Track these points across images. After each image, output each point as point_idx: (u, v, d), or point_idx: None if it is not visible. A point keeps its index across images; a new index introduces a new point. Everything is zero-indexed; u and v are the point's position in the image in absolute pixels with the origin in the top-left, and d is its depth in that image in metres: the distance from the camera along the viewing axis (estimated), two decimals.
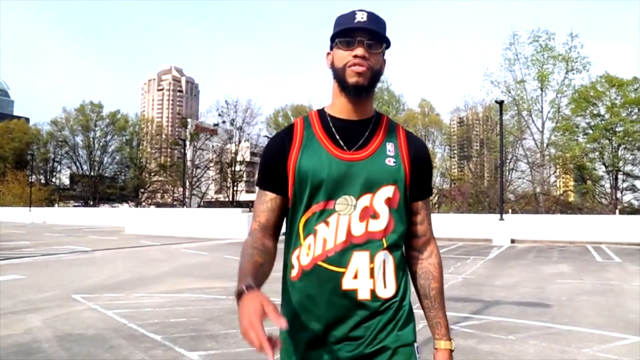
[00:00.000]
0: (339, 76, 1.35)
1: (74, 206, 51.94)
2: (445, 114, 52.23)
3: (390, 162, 1.36)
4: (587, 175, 35.50)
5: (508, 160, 36.48)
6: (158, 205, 52.96)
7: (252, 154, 61.04)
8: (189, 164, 52.66)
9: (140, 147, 56.82)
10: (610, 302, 6.90)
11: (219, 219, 21.85)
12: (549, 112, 33.32)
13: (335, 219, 1.31)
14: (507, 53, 34.06)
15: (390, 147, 1.37)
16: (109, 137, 55.12)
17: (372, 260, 1.32)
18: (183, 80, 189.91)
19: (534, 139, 34.42)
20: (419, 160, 1.40)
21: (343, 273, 1.31)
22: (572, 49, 31.91)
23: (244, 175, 59.10)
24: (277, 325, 1.05)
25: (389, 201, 1.34)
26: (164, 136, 60.23)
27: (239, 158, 54.44)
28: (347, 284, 1.31)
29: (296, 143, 1.37)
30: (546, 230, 19.07)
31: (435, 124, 47.35)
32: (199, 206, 52.06)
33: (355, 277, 1.31)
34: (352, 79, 1.32)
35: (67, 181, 57.75)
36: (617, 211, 23.88)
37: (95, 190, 53.27)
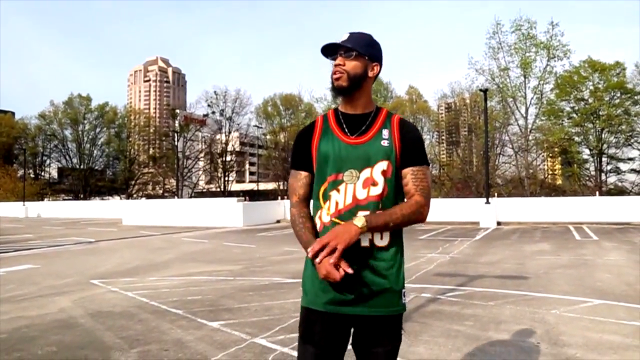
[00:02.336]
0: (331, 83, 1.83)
1: (65, 200, 51.97)
2: (433, 101, 52.83)
3: (384, 143, 1.79)
4: (572, 158, 36.41)
5: (495, 146, 37.28)
6: (149, 196, 53.09)
7: (242, 143, 61.26)
8: (179, 155, 52.81)
9: (130, 139, 56.79)
10: (582, 273, 7.62)
11: (215, 208, 22.04)
12: (532, 98, 34.15)
13: (344, 187, 1.77)
14: (491, 42, 34.75)
15: (385, 132, 1.81)
16: (97, 130, 55.07)
17: None
18: (170, 70, 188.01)
19: (518, 124, 35.25)
20: (407, 139, 1.82)
21: None
22: (553, 37, 32.68)
23: (235, 165, 59.37)
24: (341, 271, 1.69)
25: (384, 172, 1.78)
26: (152, 128, 60.15)
27: (229, 148, 54.63)
28: None
29: (317, 133, 1.86)
30: (531, 213, 19.67)
31: (424, 110, 47.79)
32: (190, 197, 52.22)
33: None
34: (333, 83, 1.81)
35: (55, 175, 57.63)
36: (597, 193, 24.74)
37: (85, 183, 53.31)
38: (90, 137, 54.66)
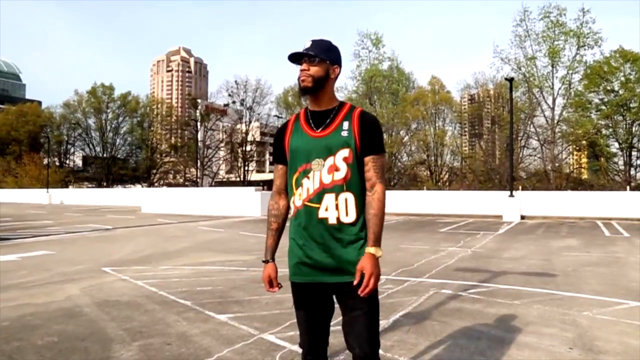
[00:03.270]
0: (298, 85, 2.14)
1: (88, 187, 52.77)
2: (456, 92, 51.95)
3: (344, 134, 2.09)
4: (600, 152, 35.32)
5: (519, 138, 36.37)
6: (170, 185, 53.56)
7: (262, 133, 61.18)
8: (200, 144, 52.98)
9: (152, 129, 57.24)
10: (614, 272, 7.17)
11: (233, 197, 22.03)
12: (560, 88, 32.98)
13: (312, 174, 2.09)
14: (517, 29, 33.68)
15: (345, 125, 2.11)
16: (120, 119, 55.62)
17: (336, 199, 2.06)
18: (192, 60, 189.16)
19: (544, 116, 34.20)
20: (365, 129, 2.10)
21: (318, 208, 2.08)
22: (583, 25, 31.44)
23: (255, 155, 59.37)
24: (267, 290, 2.21)
25: (345, 159, 2.07)
26: (174, 117, 60.49)
27: (249, 138, 54.54)
28: (321, 214, 2.08)
29: (289, 130, 2.19)
30: (556, 207, 19.11)
31: (446, 101, 47.05)
32: (210, 186, 52.44)
33: (326, 209, 2.08)
34: (300, 85, 2.12)
35: (80, 163, 58.53)
36: (628, 187, 23.89)
37: (108, 171, 54.03)
38: (113, 126, 55.31)
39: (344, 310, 2.14)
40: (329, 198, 2.09)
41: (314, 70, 2.11)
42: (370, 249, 2.05)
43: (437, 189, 35.25)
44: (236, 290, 5.90)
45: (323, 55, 2.13)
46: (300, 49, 2.13)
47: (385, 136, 43.83)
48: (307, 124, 2.18)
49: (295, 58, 2.13)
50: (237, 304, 5.21)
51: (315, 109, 2.19)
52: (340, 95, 41.82)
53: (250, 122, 54.78)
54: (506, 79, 21.25)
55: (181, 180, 58.34)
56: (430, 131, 46.41)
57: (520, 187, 21.95)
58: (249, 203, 21.33)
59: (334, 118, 2.15)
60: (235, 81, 53.52)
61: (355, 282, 2.02)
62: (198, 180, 51.71)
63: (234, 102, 54.10)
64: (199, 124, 53.30)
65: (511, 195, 18.68)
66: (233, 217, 19.89)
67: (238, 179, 55.35)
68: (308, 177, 2.11)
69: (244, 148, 54.77)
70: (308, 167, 2.12)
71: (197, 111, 55.00)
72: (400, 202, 22.33)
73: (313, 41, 2.13)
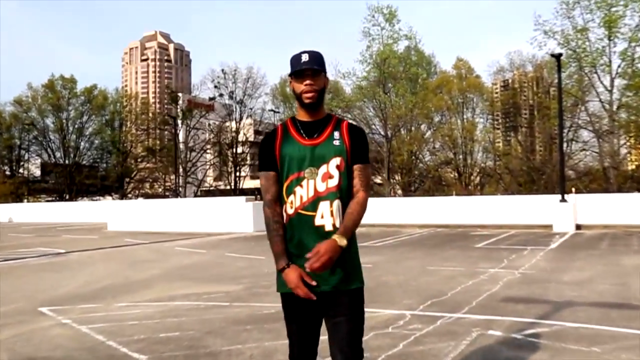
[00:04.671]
0: (298, 98, 2.54)
1: (47, 201, 52.37)
2: (487, 76, 51.45)
3: (336, 143, 2.51)
4: None
5: (566, 129, 35.55)
6: (147, 196, 53.26)
7: (257, 132, 60.74)
8: (181, 146, 52.71)
9: (124, 129, 56.91)
10: None
11: (220, 209, 21.91)
12: (619, 66, 31.86)
13: (306, 182, 2.47)
14: None
15: (336, 134, 2.54)
16: (85, 118, 55.22)
17: (331, 206, 2.45)
18: (171, 47, 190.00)
19: (600, 100, 33.14)
20: (355, 139, 2.55)
21: (314, 216, 2.46)
22: None
23: (248, 158, 59.04)
24: (304, 295, 2.43)
25: (338, 167, 2.48)
26: (150, 115, 60.27)
27: (240, 137, 54.34)
28: (317, 222, 2.46)
29: (278, 139, 2.57)
30: (620, 213, 18.44)
31: (475, 88, 46.72)
32: (195, 196, 52.17)
33: (322, 217, 2.45)
34: (306, 101, 2.51)
35: (37, 172, 57.87)
36: None
37: (71, 181, 53.55)
38: (76, 126, 54.80)
39: (328, 318, 2.51)
40: (324, 205, 2.47)
41: (319, 84, 2.52)
42: (335, 236, 2.39)
43: (467, 194, 34.71)
44: (212, 336, 5.35)
45: (323, 68, 2.55)
46: (301, 59, 2.53)
47: (402, 131, 43.77)
48: (297, 132, 2.56)
49: (297, 72, 2.52)
50: (210, 357, 4.65)
51: (305, 119, 2.59)
52: (347, 83, 41.56)
53: (241, 118, 54.58)
54: (552, 55, 20.59)
55: (160, 190, 58.10)
56: (457, 124, 45.96)
57: (573, 189, 21.30)
58: (238, 216, 21.10)
59: (324, 128, 2.56)
60: (222, 70, 53.27)
61: (308, 256, 2.35)
62: (180, 189, 51.32)
63: (221, 95, 53.92)
64: (180, 122, 53.15)
65: (563, 200, 18.36)
66: (219, 235, 19.68)
67: (228, 187, 55.02)
68: (301, 186, 2.49)
69: (234, 150, 54.48)
70: (301, 175, 2.49)
71: (178, 107, 54.82)
72: (424, 211, 22.21)
73: (310, 54, 2.54)
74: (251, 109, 55.01)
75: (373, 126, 41.94)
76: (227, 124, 55.06)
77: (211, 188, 58.55)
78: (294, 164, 2.50)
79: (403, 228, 20.58)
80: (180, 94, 57.76)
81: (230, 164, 55.06)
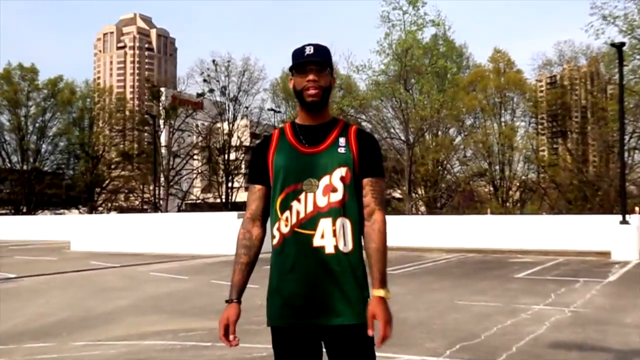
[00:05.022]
0: (299, 97, 2.61)
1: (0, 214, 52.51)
2: (530, 71, 51.41)
3: (341, 150, 2.56)
4: None
5: (628, 135, 35.33)
6: (121, 210, 53.45)
7: (253, 135, 60.97)
8: (163, 150, 52.88)
9: (95, 129, 57.17)
10: None
11: (207, 227, 22.01)
12: None
13: (304, 196, 2.52)
14: None
15: (342, 141, 2.58)
16: (48, 116, 55.58)
17: (334, 224, 2.49)
18: (153, 33, 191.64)
19: None
20: (364, 148, 2.59)
21: (313, 235, 2.49)
22: None
23: (242, 166, 59.10)
24: (221, 338, 2.51)
25: (342, 179, 2.53)
26: (127, 113, 60.67)
27: (234, 142, 54.66)
28: (317, 242, 2.49)
29: (272, 146, 2.64)
30: None
31: (516, 85, 46.91)
32: (179, 210, 52.28)
33: (322, 237, 2.49)
34: (308, 99, 2.57)
35: None
36: None
37: (29, 191, 53.80)
38: (37, 125, 55.18)
39: None
40: (325, 223, 2.49)
41: (323, 81, 2.57)
42: (378, 292, 2.44)
43: (505, 213, 34.53)
44: None
45: (329, 63, 2.62)
46: (305, 52, 2.59)
47: (427, 136, 43.71)
48: (295, 139, 2.61)
49: (299, 66, 2.58)
50: None
51: (306, 123, 2.64)
52: (362, 77, 41.51)
53: (235, 119, 54.91)
54: (612, 45, 20.48)
55: (137, 203, 58.27)
56: (494, 128, 45.99)
57: (637, 209, 21.16)
58: (229, 236, 20.46)
59: (328, 133, 2.60)
60: (214, 61, 53.75)
61: (369, 332, 2.41)
62: (160, 202, 51.33)
63: (211, 91, 54.28)
64: (162, 122, 53.44)
65: (624, 221, 18.29)
66: (205, 257, 19.70)
67: (218, 200, 55.18)
68: (298, 200, 2.52)
69: (226, 156, 54.64)
70: (298, 187, 2.52)
71: (160, 104, 55.03)
72: (452, 233, 22.22)
73: (315, 46, 2.61)
74: (247, 107, 55.48)
75: (392, 130, 41.96)
76: (219, 125, 55.35)
77: (198, 201, 58.77)
78: (290, 175, 2.54)
79: (426, 252, 20.51)
80: (163, 89, 57.81)
81: (221, 172, 55.37)
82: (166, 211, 47.10)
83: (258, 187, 2.63)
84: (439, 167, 43.99)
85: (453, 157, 45.37)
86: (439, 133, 44.49)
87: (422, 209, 43.25)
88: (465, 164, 45.97)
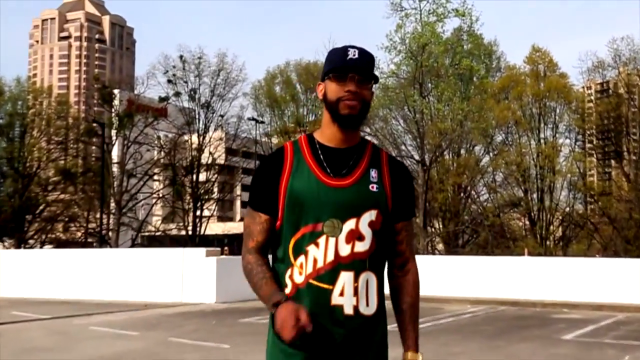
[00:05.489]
0: (332, 108, 2.60)
1: None
2: (577, 75, 51.58)
3: (373, 187, 2.60)
4: None
5: None
6: (59, 244, 53.01)
7: (230, 151, 61.02)
8: (115, 169, 52.75)
9: (27, 140, 56.88)
10: None
11: (168, 267, 21.97)
12: None
13: (324, 240, 2.52)
14: None
15: (373, 173, 2.63)
16: None
17: (356, 280, 2.53)
18: (105, 22, 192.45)
19: None
20: (399, 184, 2.68)
21: (331, 290, 2.51)
22: None
23: (215, 190, 58.97)
24: (306, 327, 2.34)
25: (372, 224, 2.56)
26: (70, 120, 60.43)
27: (204, 159, 54.85)
28: (335, 300, 2.51)
29: (287, 167, 2.62)
30: None
31: (559, 92, 47.12)
32: (133, 244, 52.26)
33: (342, 294, 2.51)
34: (344, 111, 2.55)
35: None
36: None
37: None
38: None
39: None
40: (346, 277, 2.52)
41: (366, 94, 2.60)
42: (414, 356, 2.60)
43: (545, 254, 34.39)
44: None
45: (374, 75, 2.65)
46: (348, 55, 2.61)
47: (447, 155, 43.62)
48: (317, 163, 2.62)
49: (338, 70, 2.59)
50: None
51: (332, 144, 2.65)
52: None
53: (206, 130, 55.00)
54: None
55: (79, 235, 57.85)
56: (531, 147, 45.96)
57: None
58: (195, 278, 21.16)
59: (358, 161, 2.64)
60: (181, 57, 54.01)
61: None
62: (110, 234, 50.97)
63: (177, 95, 54.58)
64: (114, 132, 53.37)
65: None
66: (162, 306, 19.65)
67: (184, 233, 55.13)
68: (317, 244, 2.54)
69: (194, 177, 54.43)
70: (318, 228, 2.54)
71: (113, 110, 54.96)
72: (479, 278, 22.13)
73: (360, 51, 2.62)
74: (222, 116, 55.70)
75: (403, 147, 41.84)
76: (186, 138, 55.36)
77: (158, 233, 58.49)
78: (309, 210, 2.54)
79: (446, 304, 20.42)
80: (116, 91, 57.98)
81: (187, 197, 55.16)
82: (116, 246, 46.81)
83: (265, 217, 2.63)
84: (462, 195, 43.94)
85: (479, 182, 45.36)
86: (462, 151, 44.45)
87: (440, 247, 43.08)
88: (495, 190, 45.88)
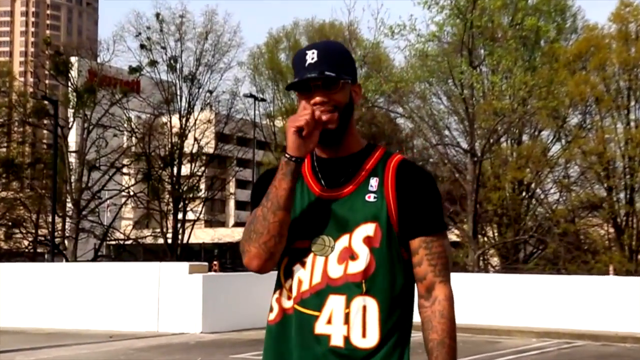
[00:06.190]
0: None
1: None
2: None
3: (370, 197, 2.71)
4: None
5: None
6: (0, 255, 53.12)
7: (221, 136, 61.09)
8: (72, 160, 52.87)
9: None
10: None
11: (139, 285, 22.12)
12: None
13: (311, 260, 2.69)
14: None
15: (373, 181, 2.74)
16: None
17: (347, 305, 2.62)
18: None
19: None
20: (408, 191, 2.72)
21: (317, 317, 2.63)
22: None
23: (202, 186, 59.08)
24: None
25: (368, 240, 2.66)
26: (15, 96, 60.66)
27: (188, 146, 55.27)
28: (319, 328, 2.63)
29: None
30: None
31: None
32: (96, 256, 52.36)
33: (329, 322, 2.62)
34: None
35: None
36: None
37: None
38: None
39: None
40: (335, 303, 2.64)
41: (339, 97, 2.72)
42: None
43: (637, 272, 34.30)
44: None
45: (342, 71, 2.74)
46: (305, 60, 2.73)
47: (505, 142, 43.38)
48: (313, 176, 2.83)
49: (299, 84, 2.72)
50: None
51: (325, 155, 2.84)
52: (400, 46, 41.38)
53: (191, 110, 55.01)
54: None
55: (26, 244, 58.01)
56: (617, 132, 45.64)
57: None
58: (176, 300, 21.33)
59: (357, 170, 2.77)
60: (158, 15, 54.00)
61: None
62: (65, 243, 51.10)
63: (153, 65, 54.34)
64: (71, 112, 53.56)
65: None
66: (131, 337, 19.72)
67: (161, 241, 55.75)
68: (303, 264, 2.70)
69: (174, 170, 54.53)
70: (305, 246, 2.71)
71: (70, 83, 55.03)
72: (548, 304, 22.07)
73: (320, 49, 2.76)
74: (211, 92, 55.77)
75: (446, 132, 41.78)
76: (164, 119, 55.31)
77: (128, 242, 58.52)
78: (300, 226, 2.71)
79: (505, 337, 20.58)
80: (74, 59, 57.95)
81: (166, 196, 55.50)
82: (74, 259, 46.85)
83: None
84: (524, 194, 43.81)
85: (547, 178, 45.20)
86: (525, 138, 44.33)
87: (495, 261, 43.01)
88: (569, 189, 45.69)
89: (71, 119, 53.34)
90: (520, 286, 23.42)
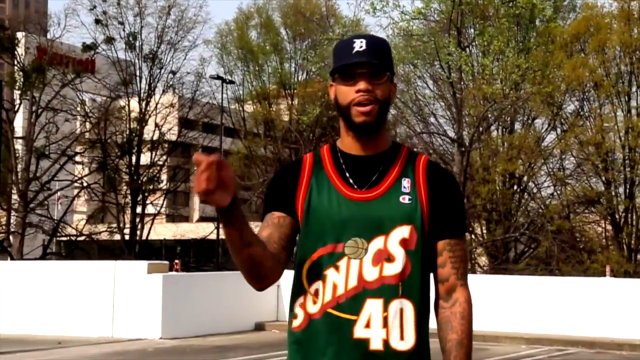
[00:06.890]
0: (344, 114, 2.96)
1: None
2: None
3: (405, 199, 2.93)
4: None
5: None
6: None
7: (185, 122, 61.08)
8: (19, 147, 52.71)
9: None
10: None
11: (92, 286, 22.13)
12: None
13: (345, 263, 2.85)
14: None
15: (406, 182, 2.96)
16: None
17: (385, 309, 2.82)
18: None
19: None
20: (439, 194, 2.98)
21: (355, 321, 2.81)
22: None
23: (163, 177, 59.05)
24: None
25: (404, 242, 2.87)
26: None
27: (148, 133, 55.38)
28: (358, 332, 2.81)
29: (304, 180, 3.02)
30: None
31: None
32: (45, 254, 52.38)
33: (368, 325, 2.81)
34: (358, 119, 2.90)
35: None
36: None
37: None
38: None
39: None
40: (373, 306, 2.82)
41: (381, 91, 2.93)
42: None
43: (636, 273, 34.57)
44: None
45: (388, 66, 3.00)
46: (353, 47, 2.94)
47: (495, 132, 43.66)
48: (339, 174, 3.00)
49: (344, 68, 2.93)
50: None
51: (355, 152, 3.02)
52: (382, 24, 41.56)
53: (151, 92, 55.25)
54: None
55: None
56: (616, 120, 45.82)
57: None
58: (132, 302, 21.37)
59: (387, 170, 2.98)
60: None
61: None
62: (10, 239, 50.96)
63: (110, 42, 54.17)
64: (17, 94, 53.35)
65: None
66: (86, 343, 19.72)
67: (118, 237, 55.69)
68: (336, 268, 2.86)
69: (133, 159, 54.47)
70: (338, 249, 2.87)
71: (16, 62, 54.82)
72: (541, 307, 22.27)
73: (369, 41, 2.97)
74: (174, 73, 55.75)
75: (432, 119, 41.93)
76: (122, 103, 55.19)
77: (81, 238, 58.36)
78: (329, 228, 2.87)
79: (493, 343, 20.74)
80: (20, 35, 57.78)
81: (124, 188, 55.54)
82: (20, 257, 46.72)
83: (279, 214, 2.95)
84: (515, 188, 43.99)
85: (540, 170, 45.40)
86: (517, 126, 44.51)
87: (483, 261, 43.17)
88: (564, 182, 45.90)
89: (17, 102, 52.91)
90: (509, 288, 23.60)
